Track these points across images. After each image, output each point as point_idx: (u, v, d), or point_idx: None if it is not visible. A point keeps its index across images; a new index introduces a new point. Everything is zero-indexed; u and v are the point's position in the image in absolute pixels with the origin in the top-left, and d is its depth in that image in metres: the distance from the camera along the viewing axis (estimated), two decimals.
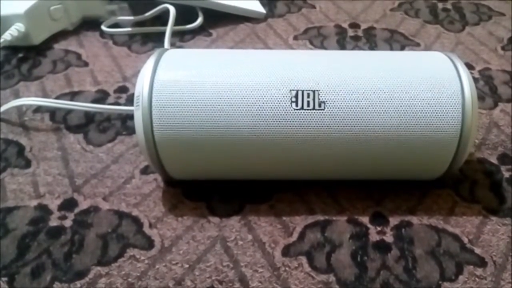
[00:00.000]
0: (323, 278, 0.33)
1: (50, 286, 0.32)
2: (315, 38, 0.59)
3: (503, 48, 0.57)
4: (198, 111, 0.33)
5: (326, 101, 0.33)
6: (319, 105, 0.33)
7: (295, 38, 0.59)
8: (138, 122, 0.33)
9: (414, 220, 0.37)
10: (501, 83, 0.51)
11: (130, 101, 0.48)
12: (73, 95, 0.49)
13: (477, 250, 0.35)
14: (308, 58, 0.37)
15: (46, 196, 0.39)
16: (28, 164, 0.41)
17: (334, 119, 0.33)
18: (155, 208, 0.38)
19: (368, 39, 0.58)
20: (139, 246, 0.35)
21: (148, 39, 0.58)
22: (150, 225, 0.37)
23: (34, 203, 0.38)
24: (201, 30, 0.60)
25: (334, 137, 0.34)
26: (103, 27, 0.59)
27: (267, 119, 0.33)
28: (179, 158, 0.35)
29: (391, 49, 0.57)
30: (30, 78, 0.52)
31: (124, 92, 0.50)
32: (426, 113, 0.33)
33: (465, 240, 0.35)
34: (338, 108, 0.33)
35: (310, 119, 0.33)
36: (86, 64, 0.54)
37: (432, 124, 0.33)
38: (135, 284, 0.33)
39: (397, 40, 0.58)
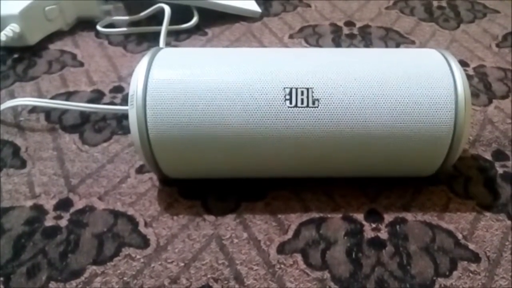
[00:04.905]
0: (318, 275, 0.33)
1: (45, 286, 0.32)
2: (311, 36, 0.59)
3: (497, 45, 0.57)
4: (193, 110, 0.33)
5: (320, 98, 0.33)
6: (313, 103, 0.33)
7: (291, 36, 0.59)
8: (133, 121, 0.33)
9: (409, 216, 0.37)
10: (495, 80, 0.51)
11: (125, 100, 0.48)
12: (68, 95, 0.49)
13: (471, 246, 0.35)
14: (302, 56, 0.37)
15: (42, 196, 0.39)
16: (23, 164, 0.42)
17: (328, 117, 0.33)
18: (151, 207, 0.38)
19: (364, 37, 0.59)
20: (135, 245, 0.35)
21: (144, 39, 0.58)
22: (146, 224, 0.37)
23: (29, 203, 0.38)
24: (197, 30, 0.60)
25: (328, 135, 0.34)
26: (99, 27, 0.59)
27: (261, 117, 0.33)
28: (174, 157, 0.35)
29: (386, 47, 0.57)
30: (25, 78, 0.52)
31: (120, 92, 0.50)
32: (419, 110, 0.33)
33: (459, 236, 0.36)
34: (332, 105, 0.33)
35: (304, 117, 0.33)
36: (81, 64, 0.54)
37: (426, 121, 0.33)
38: (130, 283, 0.33)
39: (392, 38, 0.59)
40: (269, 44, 0.58)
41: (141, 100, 0.33)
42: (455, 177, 0.40)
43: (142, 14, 0.59)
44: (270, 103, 0.33)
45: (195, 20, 0.60)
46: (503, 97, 0.49)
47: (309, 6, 0.66)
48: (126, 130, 0.45)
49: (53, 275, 0.33)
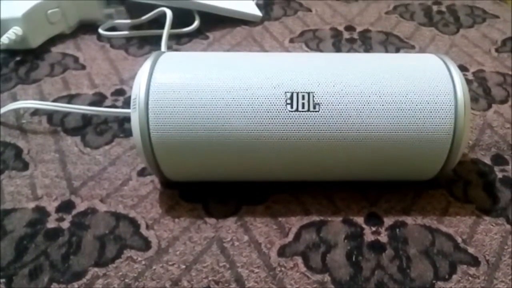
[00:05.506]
0: (318, 278, 0.33)
1: (47, 287, 0.33)
2: (311, 40, 0.59)
3: (497, 50, 0.58)
4: (194, 113, 0.33)
5: (321, 103, 0.34)
6: (314, 107, 0.34)
7: (291, 41, 0.59)
8: (135, 124, 0.34)
9: (409, 220, 0.37)
10: (494, 85, 0.52)
11: (127, 103, 0.49)
12: (70, 98, 0.50)
13: (471, 250, 0.35)
14: (303, 60, 0.37)
15: (44, 198, 0.39)
16: (25, 166, 0.42)
17: (329, 121, 0.34)
18: (152, 210, 0.38)
19: (364, 42, 0.59)
20: (136, 247, 0.35)
21: (145, 42, 0.58)
22: (147, 227, 0.37)
23: (31, 205, 0.38)
24: (198, 33, 0.60)
25: (328, 139, 0.34)
26: (100, 31, 0.59)
27: (263, 121, 0.33)
28: (176, 160, 0.35)
29: (386, 51, 0.57)
30: (27, 81, 0.52)
31: (121, 95, 0.50)
32: (419, 114, 0.34)
33: (459, 239, 0.36)
34: (333, 109, 0.34)
35: (305, 121, 0.34)
36: (83, 67, 0.54)
37: (426, 125, 0.34)
38: (132, 285, 0.33)
39: (392, 43, 0.59)
40: (269, 48, 0.58)
41: (143, 103, 0.33)
42: (455, 181, 0.40)
43: (144, 17, 0.60)
44: (271, 107, 0.33)
45: (196, 24, 0.60)
46: (502, 101, 0.49)
47: (310, 10, 0.66)
48: (127, 133, 0.45)
49: (55, 277, 0.33)
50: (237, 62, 0.37)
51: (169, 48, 0.57)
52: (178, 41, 0.59)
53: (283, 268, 0.34)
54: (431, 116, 0.34)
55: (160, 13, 0.58)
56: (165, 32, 0.55)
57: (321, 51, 0.57)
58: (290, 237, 0.36)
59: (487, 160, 0.42)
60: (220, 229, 0.37)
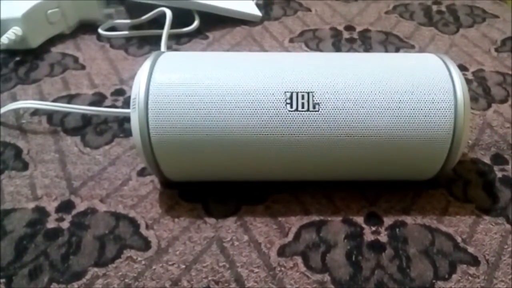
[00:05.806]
0: (318, 278, 0.33)
1: (47, 287, 0.33)
2: (311, 40, 0.59)
3: (496, 50, 0.58)
4: (194, 113, 0.33)
5: (321, 102, 0.34)
6: (314, 107, 0.34)
7: (291, 40, 0.59)
8: (135, 124, 0.34)
9: (408, 220, 0.37)
10: (494, 84, 0.52)
11: (127, 103, 0.49)
12: (70, 98, 0.50)
13: (470, 249, 0.35)
14: (302, 60, 0.37)
15: (44, 198, 0.39)
16: (25, 166, 0.42)
17: (329, 121, 0.34)
18: (152, 210, 0.38)
19: (363, 42, 0.59)
20: (136, 247, 0.35)
21: (145, 42, 0.58)
22: (147, 226, 0.37)
23: (31, 205, 0.38)
24: (198, 33, 0.60)
25: (328, 138, 0.34)
26: (100, 31, 0.59)
27: (262, 121, 0.33)
28: (176, 160, 0.35)
29: (386, 51, 0.57)
30: (27, 81, 0.52)
31: (121, 95, 0.50)
32: (419, 114, 0.34)
33: (459, 239, 0.36)
34: (333, 109, 0.34)
35: (305, 121, 0.34)
36: (83, 67, 0.54)
37: (425, 125, 0.34)
38: (132, 285, 0.33)
39: (392, 42, 0.59)
40: (269, 48, 0.58)
41: (143, 103, 0.33)
42: (455, 181, 0.40)
43: (144, 17, 0.60)
44: (271, 107, 0.33)
45: (196, 23, 0.60)
46: (502, 101, 0.49)
47: (310, 10, 0.66)
48: (127, 133, 0.45)
49: (55, 277, 0.33)
50: (236, 62, 0.37)
51: (169, 48, 0.57)
52: (178, 41, 0.59)
53: (283, 268, 0.34)
54: (430, 116, 0.34)
55: (159, 13, 0.58)
56: (165, 32, 0.55)
57: (321, 51, 0.58)
58: (290, 237, 0.36)
59: (487, 160, 0.42)
60: (220, 229, 0.37)
